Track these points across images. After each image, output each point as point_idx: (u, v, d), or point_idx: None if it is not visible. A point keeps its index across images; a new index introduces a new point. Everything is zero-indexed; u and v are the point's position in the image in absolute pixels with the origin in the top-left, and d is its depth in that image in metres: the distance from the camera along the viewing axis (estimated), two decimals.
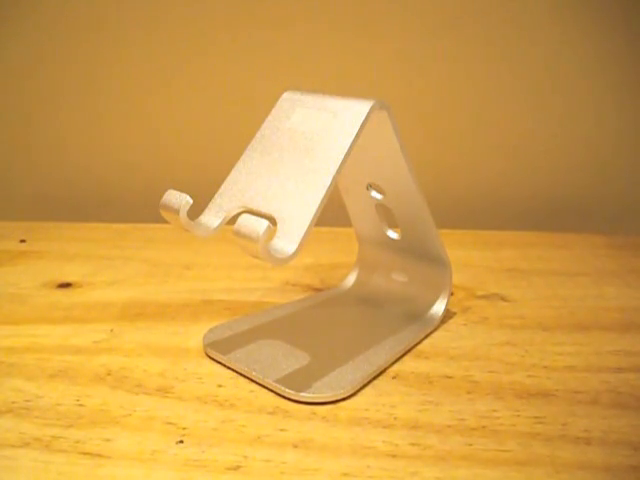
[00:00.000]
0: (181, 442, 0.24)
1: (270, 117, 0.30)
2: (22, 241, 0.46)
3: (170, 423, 0.26)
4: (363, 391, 0.28)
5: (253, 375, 0.29)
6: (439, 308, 0.34)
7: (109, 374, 0.29)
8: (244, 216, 0.24)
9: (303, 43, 0.51)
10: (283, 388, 0.27)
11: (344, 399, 0.27)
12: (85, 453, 0.24)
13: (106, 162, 0.55)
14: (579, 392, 0.28)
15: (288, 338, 0.32)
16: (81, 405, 0.27)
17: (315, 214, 0.25)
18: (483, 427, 0.26)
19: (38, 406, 0.27)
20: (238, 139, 0.33)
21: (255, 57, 0.51)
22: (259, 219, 0.23)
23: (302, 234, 0.25)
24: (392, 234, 0.35)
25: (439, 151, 0.53)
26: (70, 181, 0.55)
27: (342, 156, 0.26)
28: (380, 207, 0.34)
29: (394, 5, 0.49)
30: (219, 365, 0.30)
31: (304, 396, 0.27)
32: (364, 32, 0.50)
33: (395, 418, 0.26)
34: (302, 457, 0.24)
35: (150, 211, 0.40)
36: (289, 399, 0.27)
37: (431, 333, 0.33)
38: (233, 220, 0.25)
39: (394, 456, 0.24)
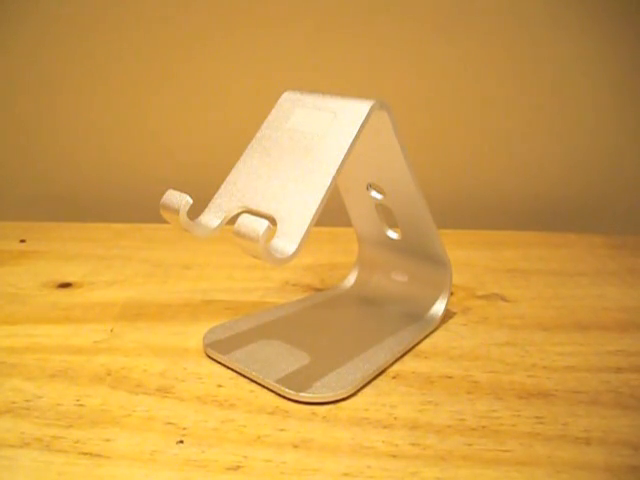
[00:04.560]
0: (181, 442, 0.24)
1: (270, 117, 0.30)
2: (22, 241, 0.46)
3: (170, 423, 0.26)
4: (363, 391, 0.28)
5: (253, 375, 0.29)
6: (439, 308, 0.34)
7: (109, 374, 0.29)
8: (244, 216, 0.24)
9: (303, 43, 0.51)
10: (283, 388, 0.27)
11: (344, 399, 0.27)
12: (85, 453, 0.24)
13: (106, 162, 0.55)
14: (579, 392, 0.28)
15: (288, 338, 0.32)
16: (81, 405, 0.27)
17: (315, 214, 0.25)
18: (483, 427, 0.26)
19: (38, 406, 0.26)
20: (238, 139, 0.33)
21: (255, 57, 0.51)
22: (259, 219, 0.23)
23: (302, 234, 0.25)
24: (392, 234, 0.35)
25: (439, 151, 0.53)
26: (70, 181, 0.55)
27: (342, 156, 0.26)
28: (380, 207, 0.34)
29: (394, 5, 0.49)
30: (219, 365, 0.30)
31: (304, 396, 0.27)
32: (364, 32, 0.50)
33: (395, 418, 0.26)
34: (302, 457, 0.24)
35: (150, 211, 0.40)
36: (289, 399, 0.27)
37: (431, 333, 0.33)
38: (233, 220, 0.25)
39: (394, 456, 0.24)
